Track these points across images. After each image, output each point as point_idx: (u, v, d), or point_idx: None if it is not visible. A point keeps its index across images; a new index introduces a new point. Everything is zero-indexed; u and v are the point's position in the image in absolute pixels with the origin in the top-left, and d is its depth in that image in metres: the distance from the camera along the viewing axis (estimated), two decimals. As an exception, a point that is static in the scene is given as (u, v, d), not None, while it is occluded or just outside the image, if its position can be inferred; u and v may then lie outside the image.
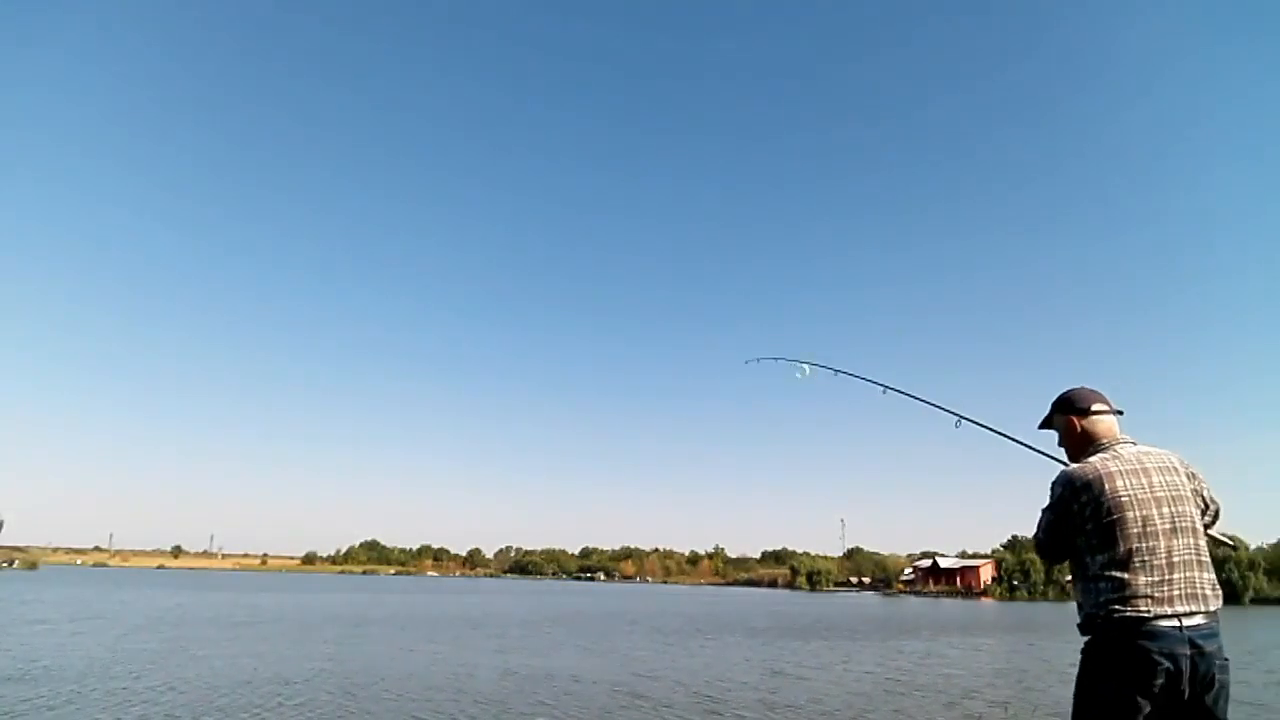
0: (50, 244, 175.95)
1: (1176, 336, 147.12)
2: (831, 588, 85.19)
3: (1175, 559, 1.93)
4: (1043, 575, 72.63)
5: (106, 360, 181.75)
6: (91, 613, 18.26)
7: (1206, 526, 2.13)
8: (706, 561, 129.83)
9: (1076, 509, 2.02)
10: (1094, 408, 2.19)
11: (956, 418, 2.81)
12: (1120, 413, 2.22)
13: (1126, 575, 1.92)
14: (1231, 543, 2.31)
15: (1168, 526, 1.96)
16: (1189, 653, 1.86)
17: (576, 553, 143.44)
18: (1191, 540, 1.98)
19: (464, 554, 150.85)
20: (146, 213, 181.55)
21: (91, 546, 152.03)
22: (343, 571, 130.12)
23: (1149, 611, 1.89)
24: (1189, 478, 2.08)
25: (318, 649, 11.37)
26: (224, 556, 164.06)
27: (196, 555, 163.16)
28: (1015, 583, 73.44)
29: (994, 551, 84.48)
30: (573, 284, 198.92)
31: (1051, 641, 19.03)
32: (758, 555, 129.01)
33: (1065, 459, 2.27)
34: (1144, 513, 1.96)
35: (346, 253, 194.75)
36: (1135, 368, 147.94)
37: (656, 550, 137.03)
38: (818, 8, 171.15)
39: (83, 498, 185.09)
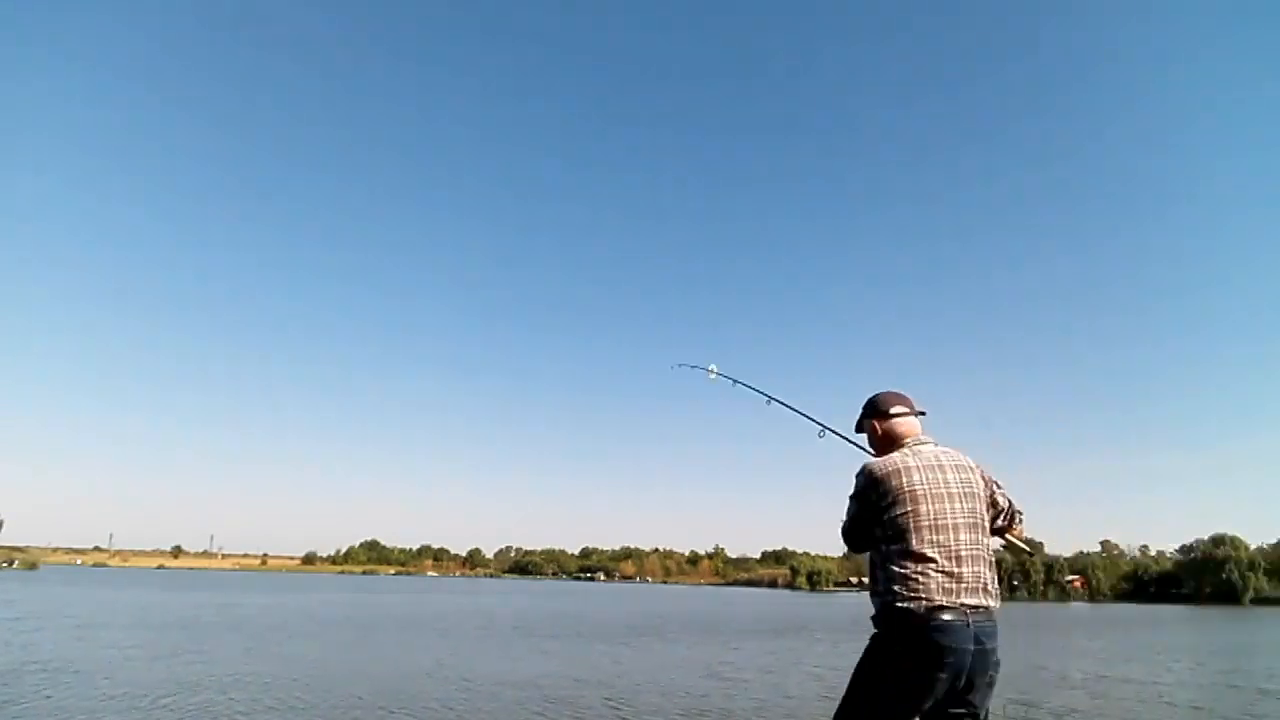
0: (50, 243, 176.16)
1: (1176, 336, 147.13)
2: (832, 588, 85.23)
3: (964, 553, 1.96)
4: (1043, 575, 72.72)
5: (107, 360, 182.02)
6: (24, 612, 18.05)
7: (1004, 530, 2.21)
8: (706, 561, 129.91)
9: (875, 499, 2.05)
10: (893, 410, 2.24)
11: (821, 428, 2.99)
12: (922, 414, 2.27)
13: (919, 567, 1.94)
14: (1029, 549, 2.33)
15: (960, 521, 2.00)
16: (972, 648, 1.88)
17: (576, 553, 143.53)
18: (981, 537, 2.02)
19: (464, 554, 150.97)
20: (147, 212, 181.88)
21: (91, 546, 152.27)
22: (343, 571, 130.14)
23: (938, 603, 1.90)
24: (984, 479, 2.13)
25: (222, 653, 10.96)
26: (224, 556, 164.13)
27: (196, 555, 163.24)
28: (1015, 583, 73.44)
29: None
30: (572, 283, 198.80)
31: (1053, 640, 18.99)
32: (758, 555, 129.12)
33: None
34: (937, 506, 1.99)
35: (345, 253, 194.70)
36: (1134, 367, 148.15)
37: (656, 550, 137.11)
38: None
39: (83, 498, 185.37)
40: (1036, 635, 21.78)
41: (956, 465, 2.09)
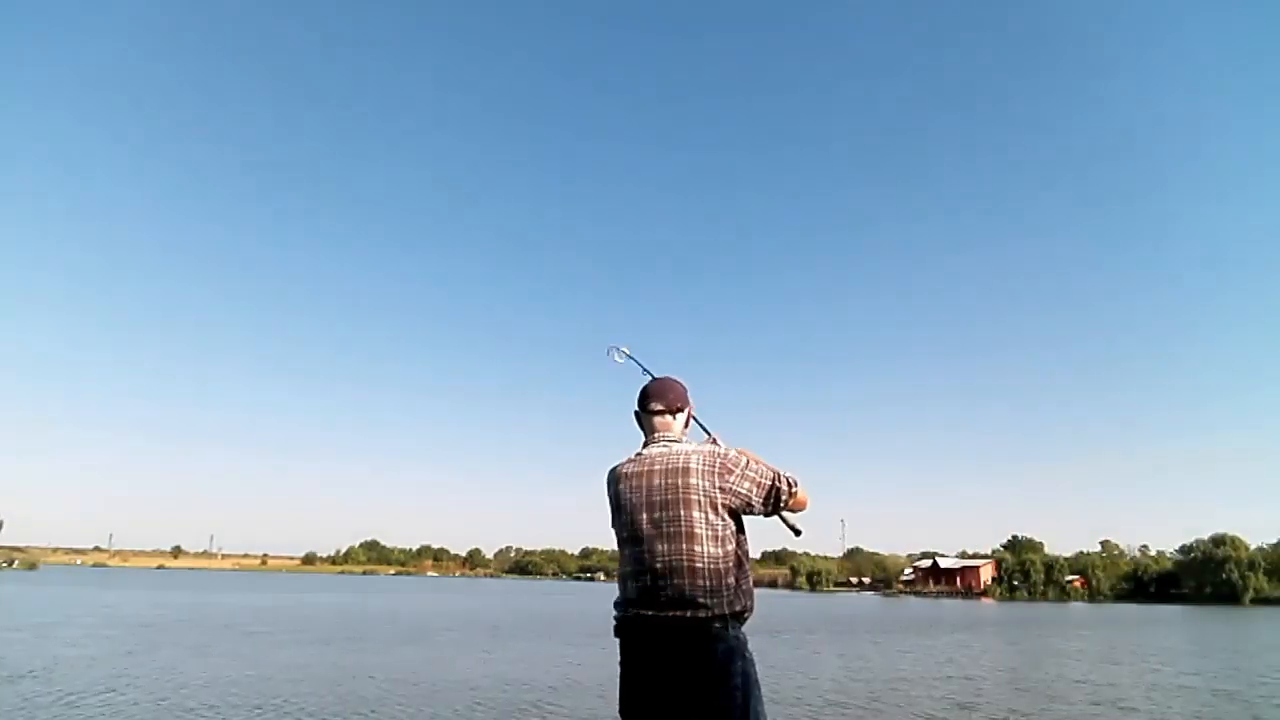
0: (50, 242, 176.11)
1: (1176, 335, 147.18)
2: (831, 588, 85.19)
3: (658, 564, 1.88)
4: (1043, 575, 72.79)
5: (107, 360, 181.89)
6: None
7: (768, 513, 2.01)
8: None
9: (609, 503, 2.08)
10: (650, 406, 2.12)
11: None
12: (684, 409, 2.15)
13: (624, 578, 1.97)
14: (794, 529, 2.20)
15: (653, 531, 1.91)
16: (674, 657, 1.83)
17: (576, 553, 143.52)
18: (683, 545, 1.88)
19: (464, 554, 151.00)
20: (147, 210, 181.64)
21: (91, 546, 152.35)
22: (342, 572, 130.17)
23: (634, 614, 1.90)
24: (710, 475, 1.92)
25: (164, 656, 10.92)
26: (224, 557, 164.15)
27: (196, 555, 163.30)
28: (1015, 583, 73.48)
29: (994, 552, 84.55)
30: (572, 284, 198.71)
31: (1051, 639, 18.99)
32: (758, 555, 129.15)
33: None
34: (635, 516, 1.96)
35: (345, 252, 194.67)
36: (1133, 366, 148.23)
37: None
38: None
39: (83, 498, 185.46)
40: (1035, 635, 21.79)
41: (669, 469, 1.95)
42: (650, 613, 1.87)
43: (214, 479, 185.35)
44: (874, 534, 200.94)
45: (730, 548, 1.92)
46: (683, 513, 1.91)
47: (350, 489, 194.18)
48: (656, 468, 1.98)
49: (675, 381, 2.20)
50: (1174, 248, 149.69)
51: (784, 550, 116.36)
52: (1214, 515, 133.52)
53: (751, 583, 1.98)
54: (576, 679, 9.71)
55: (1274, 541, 66.65)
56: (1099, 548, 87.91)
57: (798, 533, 2.25)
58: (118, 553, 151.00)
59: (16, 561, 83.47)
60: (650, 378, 2.26)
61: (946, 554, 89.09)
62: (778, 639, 17.30)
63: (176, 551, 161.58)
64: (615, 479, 2.06)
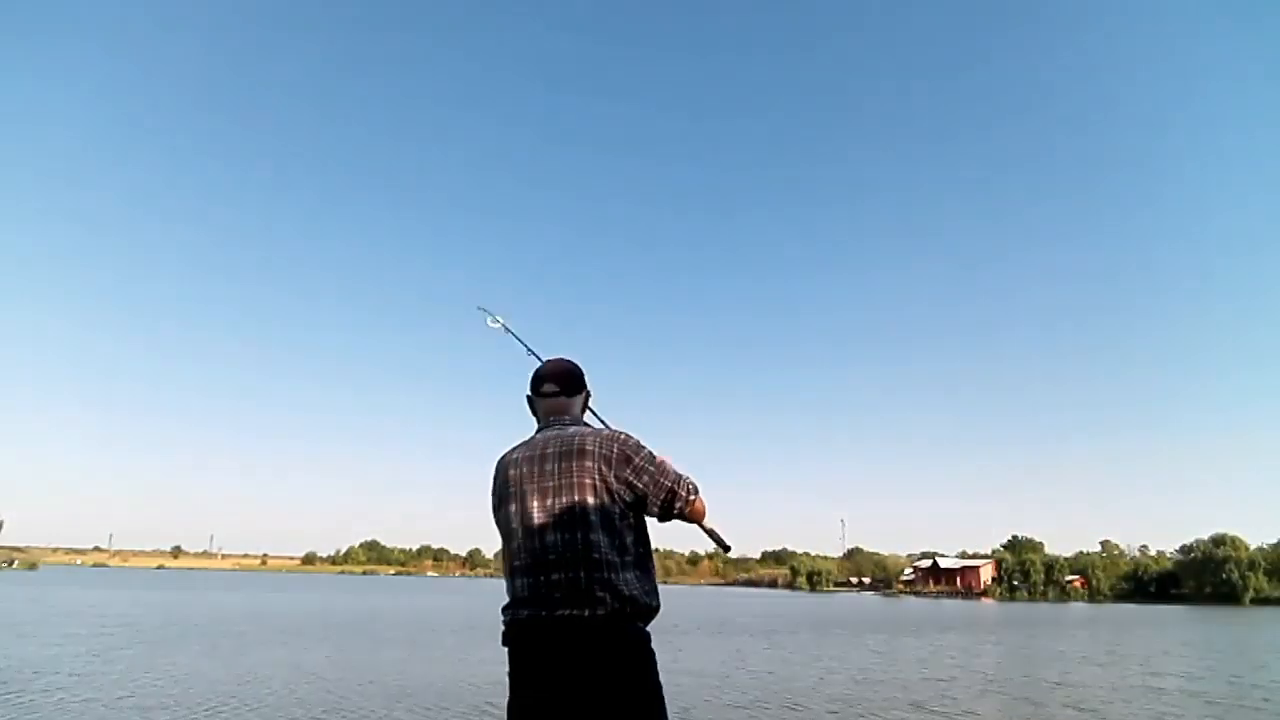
0: (50, 242, 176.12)
1: (1176, 334, 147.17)
2: (831, 588, 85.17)
3: (551, 556, 1.67)
4: (1043, 575, 72.80)
5: (107, 360, 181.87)
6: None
7: (661, 517, 1.83)
8: (706, 561, 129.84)
9: (492, 498, 1.87)
10: (543, 389, 1.95)
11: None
12: (582, 391, 1.99)
13: (514, 576, 1.74)
14: (712, 536, 2.01)
15: (545, 520, 1.71)
16: (565, 654, 1.61)
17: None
18: (578, 535, 1.67)
19: (464, 554, 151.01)
20: (147, 209, 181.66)
21: (91, 546, 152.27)
22: (342, 572, 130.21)
23: (523, 614, 1.67)
24: (607, 462, 1.73)
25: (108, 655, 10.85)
26: (224, 557, 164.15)
27: (196, 555, 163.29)
28: (1015, 583, 73.49)
29: (994, 552, 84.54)
30: (571, 282, 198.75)
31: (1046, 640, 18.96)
32: (758, 555, 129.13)
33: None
34: (525, 505, 1.74)
35: (344, 252, 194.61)
36: (1134, 367, 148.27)
37: (657, 550, 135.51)
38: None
39: (83, 498, 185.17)
40: (1025, 636, 21.77)
41: (564, 452, 1.75)
42: (543, 613, 1.64)
43: (214, 479, 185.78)
44: (874, 534, 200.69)
45: (630, 539, 1.74)
46: (577, 498, 1.70)
47: (350, 489, 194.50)
48: (549, 450, 1.78)
49: (571, 363, 2.01)
50: (1175, 248, 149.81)
51: (784, 550, 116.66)
52: (1214, 515, 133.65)
53: (655, 580, 1.79)
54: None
55: (1274, 541, 66.65)
56: (1099, 548, 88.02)
57: (726, 548, 2.07)
58: (118, 553, 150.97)
59: (16, 562, 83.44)
60: (537, 359, 2.11)
61: (946, 554, 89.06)
62: (723, 639, 17.25)
63: (176, 551, 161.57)
64: (504, 466, 1.85)
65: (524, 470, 1.79)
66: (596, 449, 1.74)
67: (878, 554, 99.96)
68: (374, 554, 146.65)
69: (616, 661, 1.62)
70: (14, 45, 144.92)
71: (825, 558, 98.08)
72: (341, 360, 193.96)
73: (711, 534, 2.02)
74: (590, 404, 2.07)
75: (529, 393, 1.98)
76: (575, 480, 1.71)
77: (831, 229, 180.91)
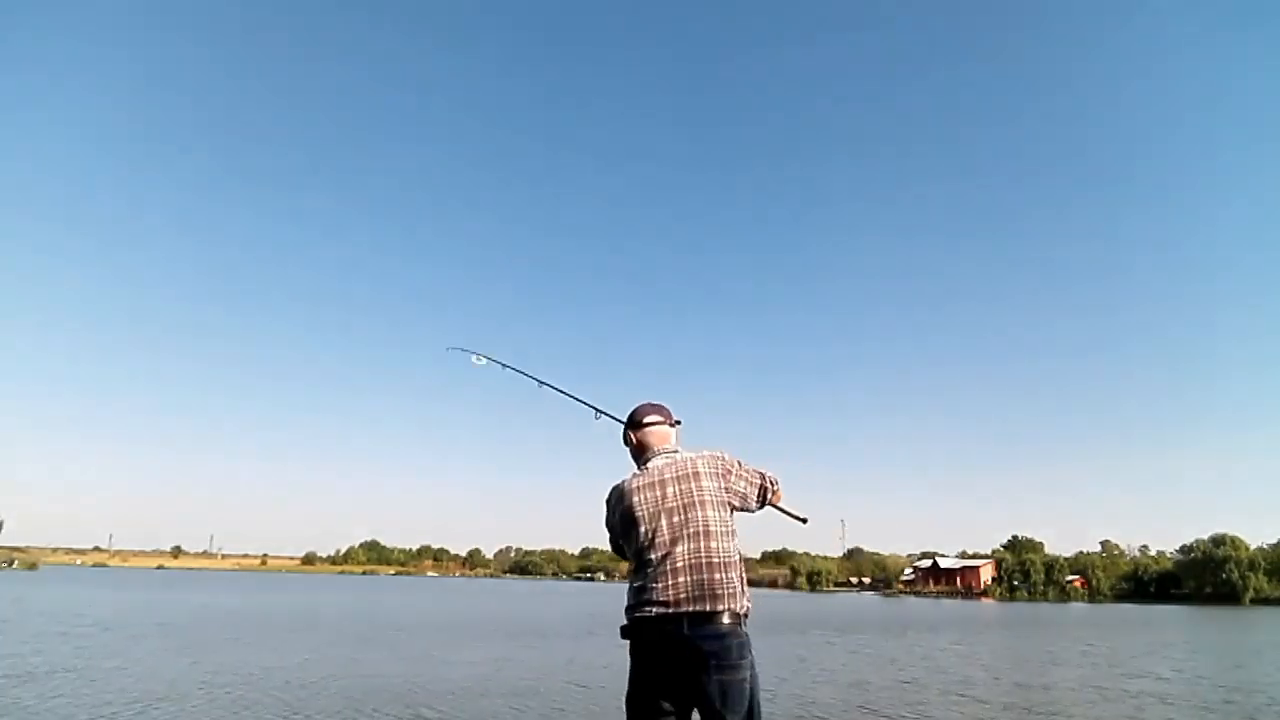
0: (50, 241, 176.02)
1: (1176, 334, 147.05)
2: (831, 588, 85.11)
3: (680, 564, 2.04)
4: (1043, 575, 72.75)
5: (107, 359, 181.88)
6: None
7: (768, 503, 2.30)
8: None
9: (615, 520, 2.24)
10: (645, 420, 2.36)
11: (596, 411, 3.04)
12: (678, 423, 2.39)
13: (643, 581, 2.08)
14: (795, 516, 2.46)
15: (674, 535, 2.08)
16: (692, 652, 1.95)
17: (576, 553, 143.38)
18: (702, 544, 2.06)
19: (464, 554, 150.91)
20: (147, 209, 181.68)
21: (91, 547, 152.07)
22: (342, 572, 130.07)
23: (653, 613, 2.01)
24: (716, 478, 2.18)
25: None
26: (224, 557, 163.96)
27: (196, 555, 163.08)
28: (1015, 583, 73.44)
29: (994, 552, 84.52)
30: (571, 282, 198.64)
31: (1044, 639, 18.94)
32: (758, 555, 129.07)
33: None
34: (654, 525, 2.11)
35: (344, 252, 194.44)
36: (1134, 367, 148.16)
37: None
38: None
39: (83, 498, 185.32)
40: (1019, 635, 21.76)
41: (679, 476, 2.17)
42: (670, 610, 1.99)
43: (214, 479, 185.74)
44: (874, 534, 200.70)
45: (736, 543, 2.14)
46: (699, 513, 2.10)
47: (350, 489, 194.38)
48: (668, 476, 2.18)
49: (660, 403, 2.40)
50: (1174, 250, 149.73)
51: (784, 550, 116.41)
52: (1214, 515, 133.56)
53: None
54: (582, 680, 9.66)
55: (1274, 541, 66.64)
56: (1099, 548, 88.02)
57: (804, 521, 2.45)
58: (118, 553, 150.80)
59: (16, 562, 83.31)
60: (536, 382, 2.61)
61: (946, 554, 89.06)
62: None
63: (176, 552, 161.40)
64: (623, 494, 2.21)
65: (646, 495, 2.16)
66: (707, 469, 2.19)
67: (878, 554, 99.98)
68: (374, 554, 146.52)
69: (729, 654, 1.96)
70: (13, 45, 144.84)
71: (825, 558, 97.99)
72: (341, 360, 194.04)
73: (787, 512, 2.44)
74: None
75: (628, 429, 2.39)
76: (696, 499, 2.12)
77: (832, 229, 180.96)
